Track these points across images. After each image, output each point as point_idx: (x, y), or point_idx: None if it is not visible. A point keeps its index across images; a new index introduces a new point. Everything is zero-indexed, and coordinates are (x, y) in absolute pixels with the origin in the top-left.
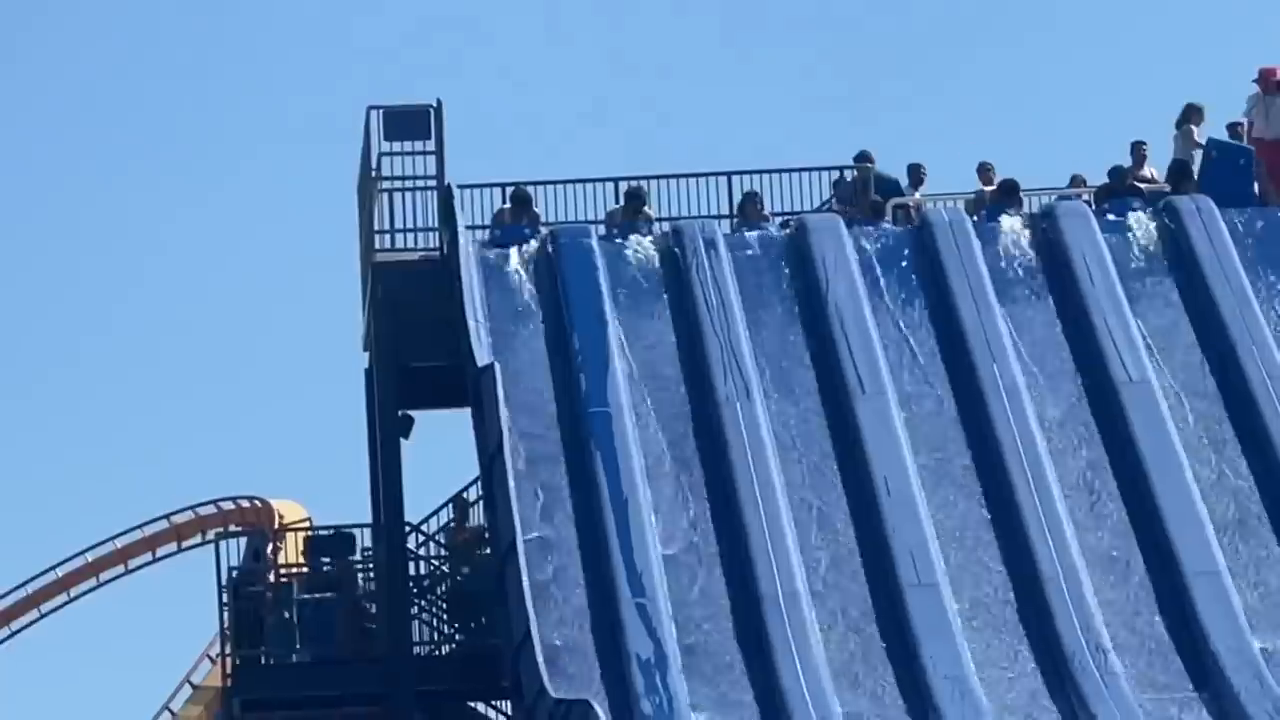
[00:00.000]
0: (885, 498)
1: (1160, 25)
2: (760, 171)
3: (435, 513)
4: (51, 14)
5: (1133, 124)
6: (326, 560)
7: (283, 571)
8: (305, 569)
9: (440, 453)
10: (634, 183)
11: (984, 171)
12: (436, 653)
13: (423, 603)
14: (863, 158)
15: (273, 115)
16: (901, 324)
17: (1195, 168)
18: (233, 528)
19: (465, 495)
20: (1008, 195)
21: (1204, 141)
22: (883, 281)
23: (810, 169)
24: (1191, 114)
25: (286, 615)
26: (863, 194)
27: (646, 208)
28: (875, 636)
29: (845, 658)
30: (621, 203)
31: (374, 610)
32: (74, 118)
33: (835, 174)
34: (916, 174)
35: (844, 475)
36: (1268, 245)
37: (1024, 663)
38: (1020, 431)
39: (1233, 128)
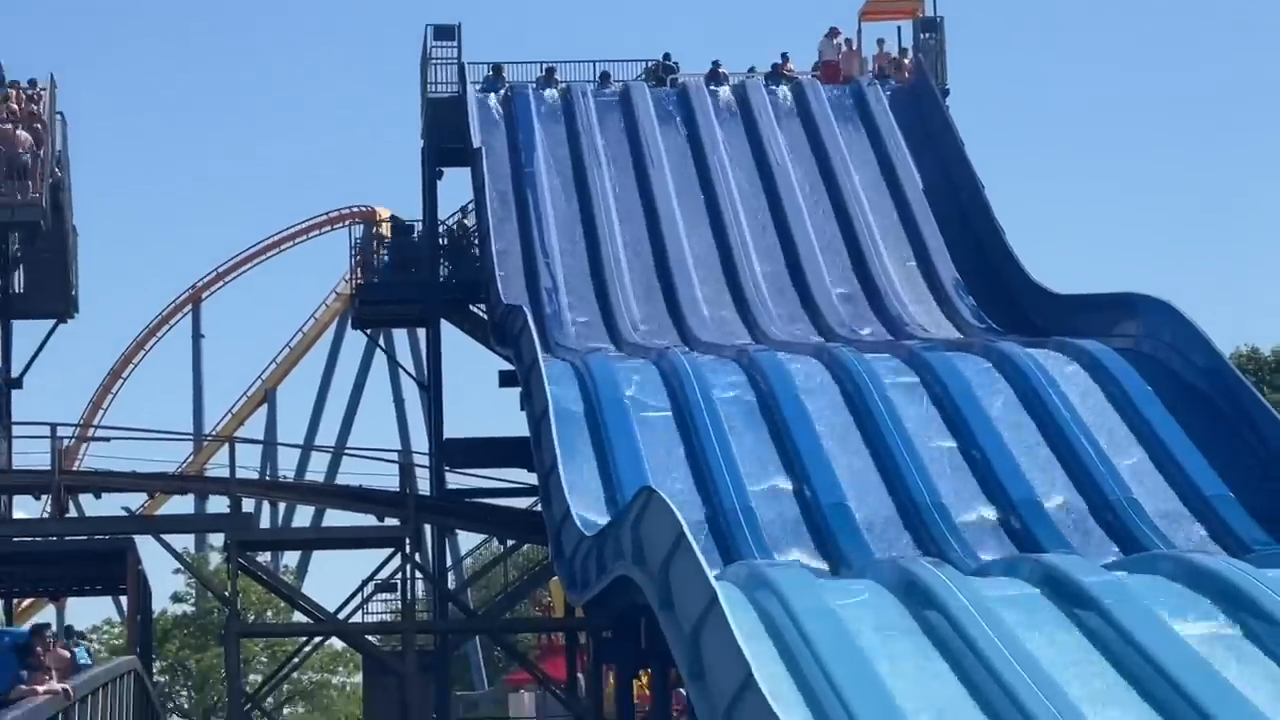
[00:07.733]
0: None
1: None
2: (610, 61)
3: (451, 215)
4: None
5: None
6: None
7: (382, 234)
8: (390, 236)
9: (455, 188)
10: (549, 65)
11: (714, 66)
12: (451, 281)
13: (444, 252)
14: (666, 56)
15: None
16: (676, 131)
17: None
18: (357, 219)
19: (466, 206)
20: (717, 77)
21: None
22: (669, 109)
23: (634, 60)
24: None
25: (385, 255)
26: (658, 74)
27: (556, 75)
28: None
29: None
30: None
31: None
32: None
33: (646, 64)
34: (674, 67)
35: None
36: (837, 104)
37: None
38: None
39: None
